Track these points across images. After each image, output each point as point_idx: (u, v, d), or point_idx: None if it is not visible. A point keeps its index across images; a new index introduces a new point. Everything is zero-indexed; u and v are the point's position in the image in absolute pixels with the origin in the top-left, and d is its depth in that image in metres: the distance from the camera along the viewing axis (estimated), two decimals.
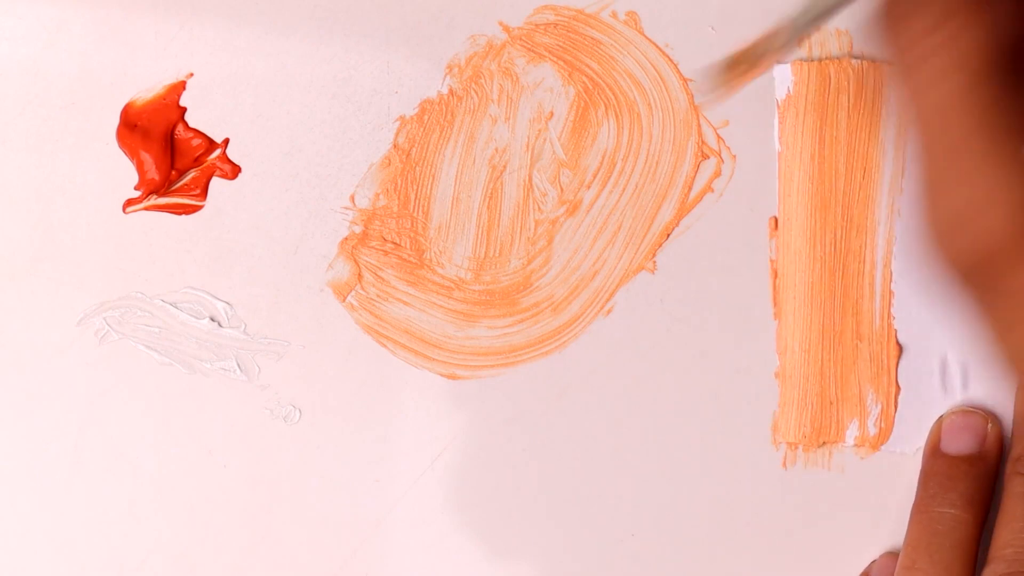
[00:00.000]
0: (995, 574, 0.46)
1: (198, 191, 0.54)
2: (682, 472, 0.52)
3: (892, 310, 0.51)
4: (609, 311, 0.53)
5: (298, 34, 0.53)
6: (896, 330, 0.51)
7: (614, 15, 0.53)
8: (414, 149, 0.53)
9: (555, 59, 0.53)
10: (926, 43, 0.38)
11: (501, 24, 0.53)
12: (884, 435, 0.52)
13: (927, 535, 0.48)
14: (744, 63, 0.44)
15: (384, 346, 0.53)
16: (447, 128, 0.53)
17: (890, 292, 0.51)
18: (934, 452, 0.50)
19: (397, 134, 0.53)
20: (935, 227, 0.39)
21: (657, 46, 0.52)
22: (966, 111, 0.38)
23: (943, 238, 0.39)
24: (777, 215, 0.52)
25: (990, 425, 0.50)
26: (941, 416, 0.51)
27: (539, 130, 0.53)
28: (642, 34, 0.52)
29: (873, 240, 0.51)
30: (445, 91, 0.53)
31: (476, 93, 0.53)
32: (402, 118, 0.53)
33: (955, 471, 0.49)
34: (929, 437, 0.51)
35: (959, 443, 0.50)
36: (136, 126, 0.54)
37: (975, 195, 0.38)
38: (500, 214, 0.53)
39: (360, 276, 0.53)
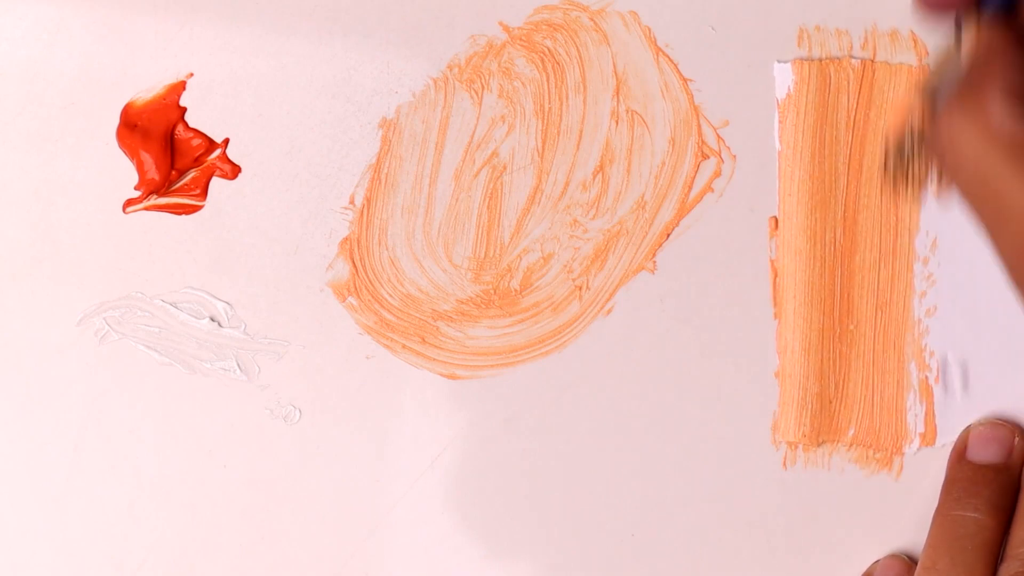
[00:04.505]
0: (1010, 572, 0.47)
1: (198, 191, 0.54)
2: (682, 472, 0.52)
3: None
4: (609, 311, 0.53)
5: (298, 34, 0.53)
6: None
7: (616, 14, 0.53)
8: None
9: (555, 59, 0.53)
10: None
11: (501, 24, 0.53)
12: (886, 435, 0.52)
13: (949, 537, 0.48)
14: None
15: (384, 346, 0.53)
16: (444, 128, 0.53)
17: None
18: (960, 458, 0.50)
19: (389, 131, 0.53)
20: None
21: (657, 46, 0.52)
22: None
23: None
24: (777, 215, 0.52)
25: (1017, 439, 0.50)
26: (969, 426, 0.51)
27: (539, 130, 0.53)
28: (642, 34, 0.52)
29: (874, 240, 0.51)
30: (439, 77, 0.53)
31: (475, 92, 0.53)
32: (398, 111, 0.53)
33: (980, 477, 0.49)
34: (955, 444, 0.51)
35: (986, 453, 0.50)
36: (136, 126, 0.54)
37: None
38: (500, 214, 0.53)
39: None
